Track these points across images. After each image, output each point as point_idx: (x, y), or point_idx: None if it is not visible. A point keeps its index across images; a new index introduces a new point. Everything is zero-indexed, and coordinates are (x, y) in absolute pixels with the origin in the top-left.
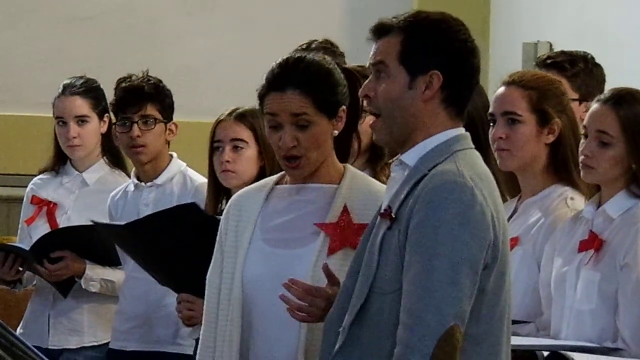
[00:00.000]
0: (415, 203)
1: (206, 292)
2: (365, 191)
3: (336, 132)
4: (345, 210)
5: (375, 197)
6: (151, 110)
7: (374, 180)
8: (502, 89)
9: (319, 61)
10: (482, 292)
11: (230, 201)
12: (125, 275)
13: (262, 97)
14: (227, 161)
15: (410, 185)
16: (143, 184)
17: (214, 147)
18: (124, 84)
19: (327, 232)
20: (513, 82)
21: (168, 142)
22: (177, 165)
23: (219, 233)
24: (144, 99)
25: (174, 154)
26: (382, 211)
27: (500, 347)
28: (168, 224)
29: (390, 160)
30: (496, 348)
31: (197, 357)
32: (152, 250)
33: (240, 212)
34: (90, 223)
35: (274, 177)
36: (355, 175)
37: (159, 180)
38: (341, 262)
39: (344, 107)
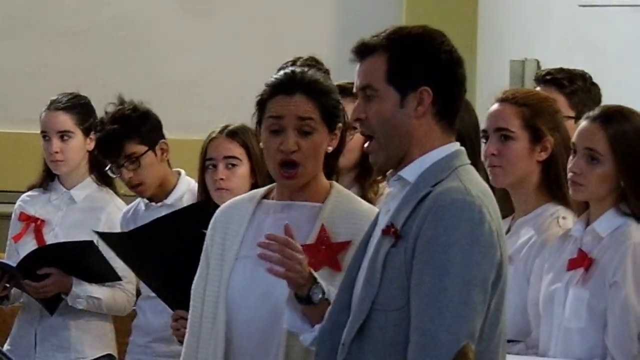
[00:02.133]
0: (423, 221)
1: (191, 302)
2: (347, 209)
3: (330, 149)
4: (322, 230)
5: (355, 215)
6: (131, 148)
7: (357, 198)
8: (495, 106)
9: (323, 75)
10: (487, 310)
11: (217, 212)
12: (142, 289)
13: (264, 101)
14: (222, 179)
15: (415, 202)
16: (154, 204)
17: (206, 165)
18: (98, 134)
19: (306, 254)
20: (506, 99)
21: (168, 162)
22: (186, 183)
23: (205, 243)
24: (118, 142)
25: (182, 172)
26: (384, 227)
27: None
28: (176, 225)
29: (379, 177)
30: None
31: None
32: (152, 260)
33: (227, 225)
34: (84, 239)
35: (261, 190)
36: (340, 193)
37: (168, 201)
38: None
39: (341, 125)
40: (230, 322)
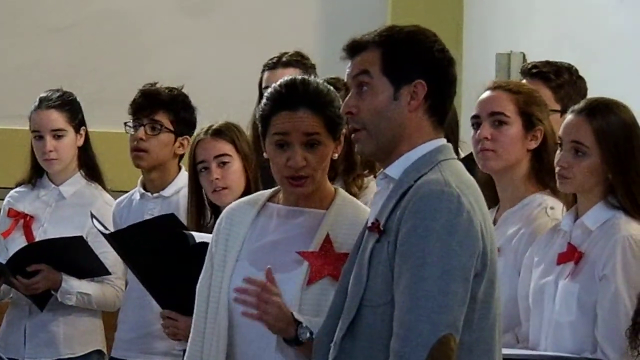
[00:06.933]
0: (402, 214)
1: (196, 301)
2: (352, 219)
3: (336, 155)
4: (327, 239)
5: (361, 226)
6: (161, 117)
7: (362, 206)
8: (488, 92)
9: (323, 83)
10: (474, 300)
11: (223, 214)
12: (128, 285)
13: (267, 116)
14: (217, 179)
15: (397, 198)
16: (149, 194)
17: (199, 169)
18: (144, 88)
19: (308, 261)
20: (499, 87)
21: (180, 157)
22: (185, 178)
23: (210, 244)
24: (156, 104)
25: (183, 167)
26: (369, 225)
27: (492, 354)
28: (147, 235)
29: (364, 172)
30: (489, 355)
31: None
32: (137, 261)
33: (231, 226)
34: (73, 235)
35: (267, 193)
36: (344, 200)
37: (165, 192)
38: (321, 291)
39: (344, 129)
40: (232, 324)
